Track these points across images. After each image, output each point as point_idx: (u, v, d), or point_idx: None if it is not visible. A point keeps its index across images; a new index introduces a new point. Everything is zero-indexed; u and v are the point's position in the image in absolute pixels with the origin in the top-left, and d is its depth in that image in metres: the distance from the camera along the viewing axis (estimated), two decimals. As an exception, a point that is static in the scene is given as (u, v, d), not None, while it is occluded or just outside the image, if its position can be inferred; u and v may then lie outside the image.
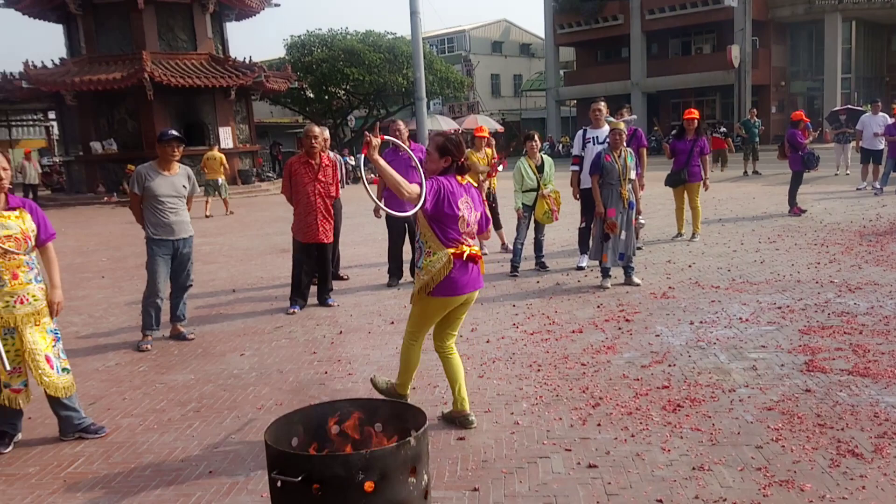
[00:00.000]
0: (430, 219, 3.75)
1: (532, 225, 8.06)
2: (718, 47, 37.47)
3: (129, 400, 4.65)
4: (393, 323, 6.21)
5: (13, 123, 40.39)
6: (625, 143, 7.09)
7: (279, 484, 2.32)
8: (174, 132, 5.81)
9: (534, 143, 7.85)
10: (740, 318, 5.73)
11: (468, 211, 3.84)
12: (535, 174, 7.78)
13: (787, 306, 6.00)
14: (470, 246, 3.85)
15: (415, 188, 3.62)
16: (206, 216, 16.19)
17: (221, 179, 16.87)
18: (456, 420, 3.98)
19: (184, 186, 5.86)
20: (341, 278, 8.13)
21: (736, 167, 20.78)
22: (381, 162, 3.59)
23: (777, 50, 38.09)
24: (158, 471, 3.59)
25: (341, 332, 6.03)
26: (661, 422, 3.84)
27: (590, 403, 4.15)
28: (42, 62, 23.02)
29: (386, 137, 3.96)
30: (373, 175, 3.93)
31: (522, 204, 7.88)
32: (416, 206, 3.60)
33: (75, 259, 10.89)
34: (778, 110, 36.36)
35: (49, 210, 19.88)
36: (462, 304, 3.95)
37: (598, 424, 3.85)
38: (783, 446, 3.46)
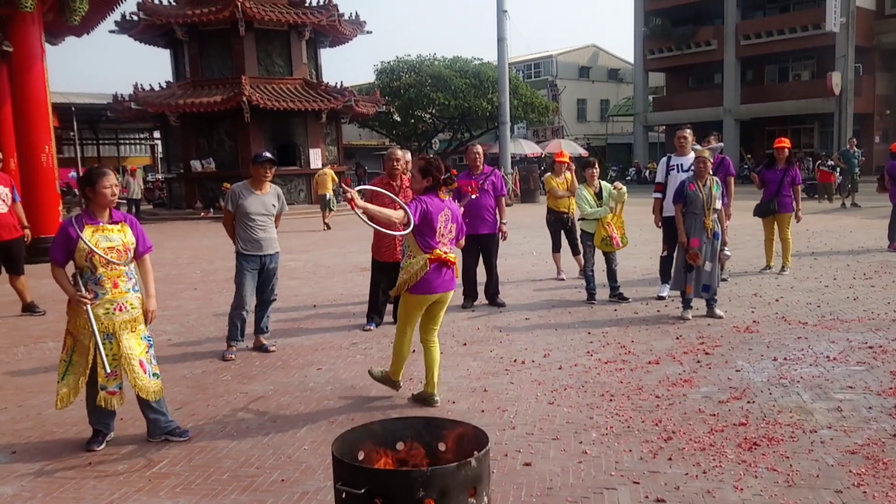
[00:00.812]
0: (414, 231, 4.43)
1: (600, 253, 7.96)
2: (818, 74, 36.08)
3: (213, 407, 4.88)
4: (465, 344, 6.27)
5: (121, 142, 43.11)
6: (710, 172, 6.95)
7: (343, 495, 2.41)
8: (267, 154, 6.12)
9: (593, 171, 7.85)
10: (828, 357, 5.48)
11: (446, 223, 4.54)
12: (594, 201, 7.75)
13: (880, 346, 5.70)
14: (445, 253, 4.53)
15: (400, 214, 4.35)
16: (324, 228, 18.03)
17: (329, 194, 18.67)
18: (423, 399, 4.72)
19: (273, 205, 6.16)
20: (419, 299, 8.25)
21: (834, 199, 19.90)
22: (369, 207, 4.31)
23: (882, 77, 36.29)
24: (235, 476, 3.76)
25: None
26: (736, 459, 3.72)
27: (662, 437, 4.06)
28: (150, 85, 24.58)
29: (360, 188, 4.58)
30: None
31: (583, 231, 7.89)
32: (407, 227, 4.34)
33: (171, 271, 11.49)
34: (882, 140, 34.54)
35: (149, 224, 21.07)
36: (438, 302, 4.65)
37: (670, 458, 3.77)
38: (865, 492, 3.30)
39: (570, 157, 9.79)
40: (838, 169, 20.21)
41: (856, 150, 19.48)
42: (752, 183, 10.01)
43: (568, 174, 9.14)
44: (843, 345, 5.80)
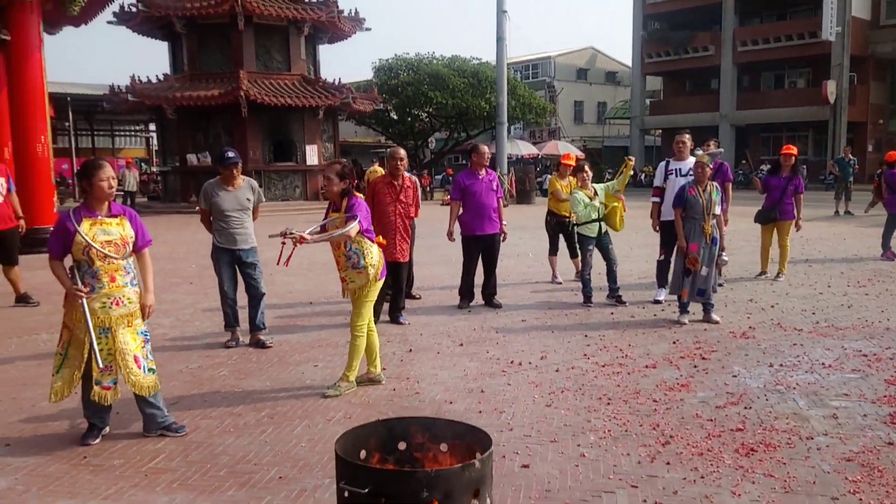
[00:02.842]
0: (364, 231, 4.79)
1: (601, 254, 7.95)
2: (813, 82, 36.28)
3: (209, 402, 4.86)
4: (462, 345, 6.26)
5: (117, 133, 42.92)
6: (710, 177, 6.96)
7: (346, 494, 2.39)
8: (232, 154, 6.10)
9: (584, 175, 7.84)
10: (823, 364, 5.50)
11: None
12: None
13: (874, 354, 5.72)
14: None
15: (354, 227, 4.67)
16: None
17: None
18: (372, 380, 5.15)
19: (248, 199, 6.21)
20: (414, 297, 8.25)
21: (828, 206, 19.96)
22: (325, 236, 4.74)
23: (876, 87, 36.48)
24: (232, 472, 3.74)
25: (411, 350, 6.13)
26: (733, 465, 3.73)
27: (660, 441, 4.07)
28: (147, 77, 24.42)
29: (284, 232, 4.67)
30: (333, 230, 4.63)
31: (582, 235, 7.87)
32: (355, 230, 4.67)
33: (166, 265, 11.45)
34: (875, 149, 34.75)
35: (144, 217, 20.87)
36: None
37: (667, 463, 3.78)
38: (860, 499, 3.31)
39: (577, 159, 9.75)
40: (832, 176, 20.22)
41: (851, 158, 19.52)
42: (745, 188, 10.02)
43: (572, 178, 9.13)
44: (838, 352, 5.82)
